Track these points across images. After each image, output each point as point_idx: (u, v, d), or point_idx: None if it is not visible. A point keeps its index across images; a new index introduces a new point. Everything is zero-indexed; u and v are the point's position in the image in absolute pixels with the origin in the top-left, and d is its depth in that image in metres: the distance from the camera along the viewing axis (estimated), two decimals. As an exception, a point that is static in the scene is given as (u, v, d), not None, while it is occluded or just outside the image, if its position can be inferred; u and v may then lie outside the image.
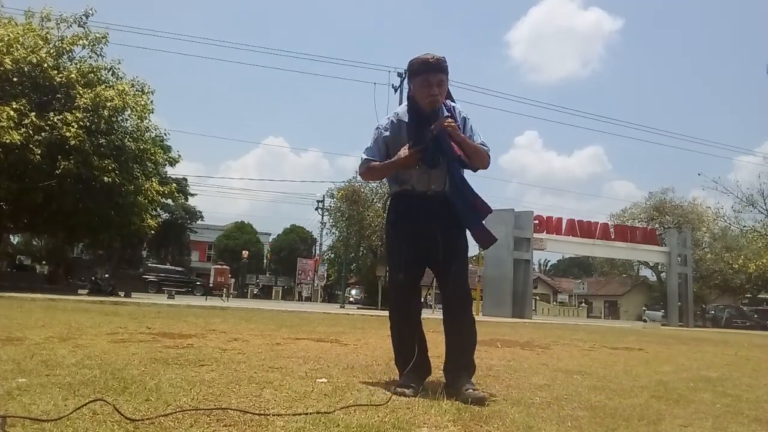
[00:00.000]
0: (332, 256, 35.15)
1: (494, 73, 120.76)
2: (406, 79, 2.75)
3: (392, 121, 2.70)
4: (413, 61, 2.57)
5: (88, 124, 15.49)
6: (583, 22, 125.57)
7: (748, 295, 34.09)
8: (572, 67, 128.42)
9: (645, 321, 32.17)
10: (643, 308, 37.65)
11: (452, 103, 2.72)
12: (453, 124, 2.51)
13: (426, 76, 2.53)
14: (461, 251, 2.64)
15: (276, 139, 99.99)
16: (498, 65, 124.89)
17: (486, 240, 2.65)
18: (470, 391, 2.30)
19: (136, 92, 17.47)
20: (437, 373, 2.73)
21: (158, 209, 24.24)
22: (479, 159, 2.65)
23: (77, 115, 15.18)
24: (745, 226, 34.70)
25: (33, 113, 14.62)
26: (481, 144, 2.68)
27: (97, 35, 17.16)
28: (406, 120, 2.65)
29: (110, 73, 17.48)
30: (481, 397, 2.27)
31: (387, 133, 2.67)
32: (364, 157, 2.71)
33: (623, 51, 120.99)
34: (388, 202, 2.85)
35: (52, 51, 16.15)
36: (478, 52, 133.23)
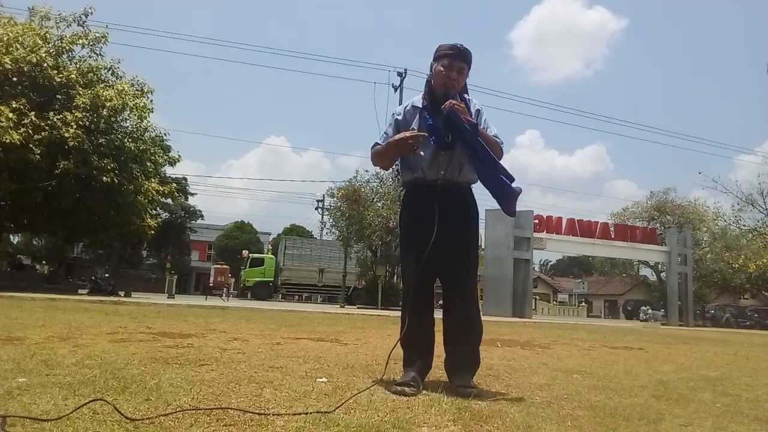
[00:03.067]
0: (332, 255, 35.09)
1: (496, 73, 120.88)
2: (430, 63, 2.81)
3: (407, 107, 2.73)
4: (440, 46, 2.63)
5: (87, 123, 15.51)
6: (587, 22, 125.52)
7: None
8: (575, 66, 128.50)
9: (645, 319, 32.13)
10: (643, 307, 37.52)
11: (467, 96, 2.74)
12: (462, 106, 2.54)
13: (450, 60, 2.59)
14: (470, 243, 2.65)
15: (278, 139, 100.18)
16: (500, 65, 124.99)
17: (512, 203, 2.55)
18: (461, 389, 2.34)
19: (136, 92, 17.48)
20: (437, 372, 2.73)
21: (158, 209, 24.25)
22: (492, 150, 2.64)
23: (77, 114, 15.19)
24: (744, 226, 34.74)
25: (33, 113, 14.63)
26: (494, 136, 2.69)
27: (97, 35, 17.18)
28: (421, 106, 2.67)
29: (110, 72, 17.50)
30: (469, 394, 2.29)
31: (400, 117, 2.70)
32: (374, 142, 2.74)
33: (627, 51, 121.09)
34: (402, 194, 2.85)
35: (51, 50, 16.15)
36: (479, 52, 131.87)
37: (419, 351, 2.57)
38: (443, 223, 2.48)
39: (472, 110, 2.68)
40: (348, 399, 2.08)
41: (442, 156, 2.57)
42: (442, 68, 2.59)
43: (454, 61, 2.58)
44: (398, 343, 2.57)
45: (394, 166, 3.07)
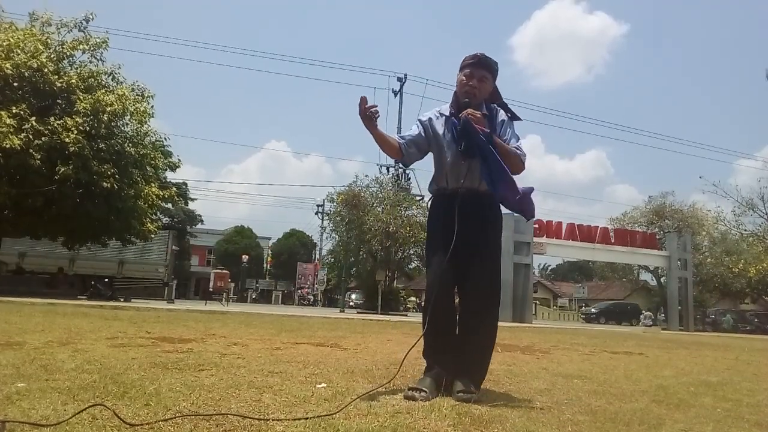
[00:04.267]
0: (332, 260, 35.10)
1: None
2: (457, 74, 2.85)
3: (433, 113, 2.80)
4: (465, 57, 2.70)
5: (87, 128, 15.51)
6: (588, 27, 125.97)
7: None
8: (576, 72, 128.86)
9: (649, 325, 32.07)
10: (645, 312, 37.33)
11: (495, 106, 2.77)
12: (478, 115, 2.55)
13: (471, 69, 2.65)
14: (490, 251, 2.65)
15: (278, 143, 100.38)
16: (500, 70, 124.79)
17: (525, 204, 2.61)
18: (461, 393, 2.35)
19: (136, 97, 17.50)
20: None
21: (158, 213, 24.21)
22: (510, 161, 2.62)
23: (77, 119, 15.20)
24: (745, 230, 34.74)
25: (33, 118, 14.64)
26: (515, 148, 2.66)
27: (98, 40, 17.21)
28: (447, 114, 2.73)
29: (110, 77, 17.52)
30: (467, 399, 2.30)
31: (424, 119, 2.77)
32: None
33: (627, 56, 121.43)
34: (429, 203, 2.93)
35: (52, 56, 16.17)
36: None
37: (437, 357, 2.59)
38: (463, 231, 2.50)
39: (497, 120, 2.70)
40: (350, 408, 2.07)
41: (462, 165, 2.61)
42: (463, 77, 2.65)
43: (474, 69, 2.64)
44: (411, 349, 2.59)
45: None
